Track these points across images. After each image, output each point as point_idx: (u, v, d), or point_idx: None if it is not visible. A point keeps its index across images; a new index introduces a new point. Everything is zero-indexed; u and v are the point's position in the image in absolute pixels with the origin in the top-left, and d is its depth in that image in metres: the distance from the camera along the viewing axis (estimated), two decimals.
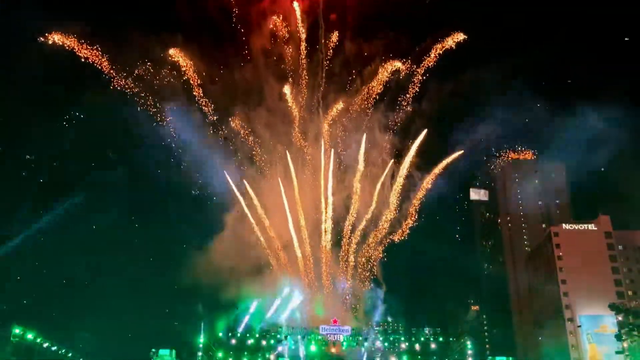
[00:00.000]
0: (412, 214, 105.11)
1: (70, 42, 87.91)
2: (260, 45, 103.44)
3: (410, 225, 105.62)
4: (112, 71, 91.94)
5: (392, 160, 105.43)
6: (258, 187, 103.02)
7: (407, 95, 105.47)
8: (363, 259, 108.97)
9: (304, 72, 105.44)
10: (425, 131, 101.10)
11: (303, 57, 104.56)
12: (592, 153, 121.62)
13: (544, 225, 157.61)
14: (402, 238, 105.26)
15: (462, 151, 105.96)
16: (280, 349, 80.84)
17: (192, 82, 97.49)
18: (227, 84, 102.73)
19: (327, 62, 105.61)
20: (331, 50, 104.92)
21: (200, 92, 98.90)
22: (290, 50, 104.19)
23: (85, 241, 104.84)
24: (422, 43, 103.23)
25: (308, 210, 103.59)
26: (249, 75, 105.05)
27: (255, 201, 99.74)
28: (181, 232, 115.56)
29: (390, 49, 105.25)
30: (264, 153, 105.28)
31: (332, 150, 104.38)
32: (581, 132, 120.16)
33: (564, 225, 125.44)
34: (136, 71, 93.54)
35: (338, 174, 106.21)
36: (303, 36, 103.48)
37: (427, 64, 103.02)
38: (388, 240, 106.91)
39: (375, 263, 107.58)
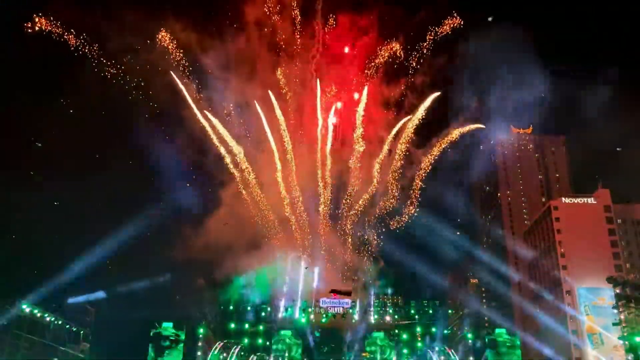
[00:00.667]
0: (416, 191, 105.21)
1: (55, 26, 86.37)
2: (254, 17, 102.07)
3: (411, 200, 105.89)
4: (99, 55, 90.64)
5: (394, 132, 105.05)
6: (254, 161, 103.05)
7: (408, 67, 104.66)
8: (361, 232, 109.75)
9: (299, 43, 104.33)
10: (435, 94, 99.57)
11: (298, 28, 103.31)
12: (592, 126, 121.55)
13: (543, 199, 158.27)
14: (403, 216, 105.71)
15: (483, 126, 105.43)
16: (280, 316, 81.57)
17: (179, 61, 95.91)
18: (220, 57, 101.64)
19: (323, 33, 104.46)
20: (328, 24, 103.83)
21: (188, 67, 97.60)
22: (284, 22, 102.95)
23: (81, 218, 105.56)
24: (417, 15, 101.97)
25: (305, 183, 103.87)
26: (243, 47, 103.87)
27: (252, 176, 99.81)
28: (175, 208, 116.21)
29: (386, 21, 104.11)
30: (258, 127, 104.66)
31: (329, 121, 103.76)
32: (582, 106, 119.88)
33: (563, 199, 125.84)
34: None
35: (335, 146, 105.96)
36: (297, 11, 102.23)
37: (426, 38, 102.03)
38: (386, 212, 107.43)
39: (374, 236, 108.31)
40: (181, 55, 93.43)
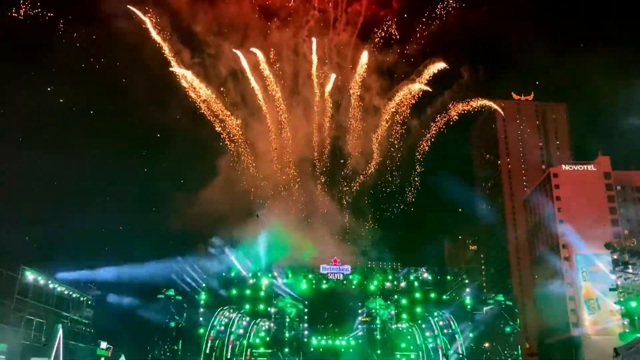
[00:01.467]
0: (419, 155, 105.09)
1: None
2: None
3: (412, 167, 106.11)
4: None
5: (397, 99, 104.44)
6: (250, 129, 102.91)
7: (406, 33, 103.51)
8: (360, 198, 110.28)
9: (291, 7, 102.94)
10: (439, 64, 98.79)
11: None
12: (593, 93, 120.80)
13: (543, 167, 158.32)
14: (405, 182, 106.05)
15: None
16: (280, 282, 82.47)
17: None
18: (212, 22, 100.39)
19: None
20: None
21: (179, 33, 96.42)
22: None
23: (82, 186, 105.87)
24: None
25: (302, 149, 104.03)
26: (234, 11, 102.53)
27: (243, 147, 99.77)
28: (171, 177, 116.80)
29: None
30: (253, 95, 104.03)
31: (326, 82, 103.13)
32: (583, 73, 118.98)
33: (563, 166, 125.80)
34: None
35: (331, 110, 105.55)
36: None
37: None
38: (385, 178, 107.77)
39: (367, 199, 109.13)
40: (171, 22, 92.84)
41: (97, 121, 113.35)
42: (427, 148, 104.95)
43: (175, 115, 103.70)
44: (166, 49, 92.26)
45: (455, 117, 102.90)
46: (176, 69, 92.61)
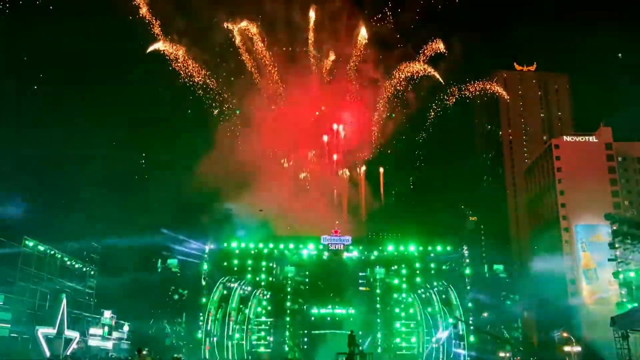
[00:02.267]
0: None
1: None
2: None
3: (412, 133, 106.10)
4: None
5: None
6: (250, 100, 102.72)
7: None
8: (359, 168, 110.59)
9: None
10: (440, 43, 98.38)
11: None
12: (596, 64, 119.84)
13: (544, 137, 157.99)
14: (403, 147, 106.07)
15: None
16: (281, 251, 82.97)
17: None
18: None
19: None
20: None
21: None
22: None
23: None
24: None
25: (299, 119, 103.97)
26: None
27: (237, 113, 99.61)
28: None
29: None
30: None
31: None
32: (585, 43, 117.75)
33: (564, 137, 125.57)
34: None
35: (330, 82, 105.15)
36: None
37: None
38: (386, 149, 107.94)
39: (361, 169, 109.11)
40: None
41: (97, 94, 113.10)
42: (428, 121, 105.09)
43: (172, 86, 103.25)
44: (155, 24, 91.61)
45: (457, 96, 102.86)
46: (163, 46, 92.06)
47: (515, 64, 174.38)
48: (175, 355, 63.63)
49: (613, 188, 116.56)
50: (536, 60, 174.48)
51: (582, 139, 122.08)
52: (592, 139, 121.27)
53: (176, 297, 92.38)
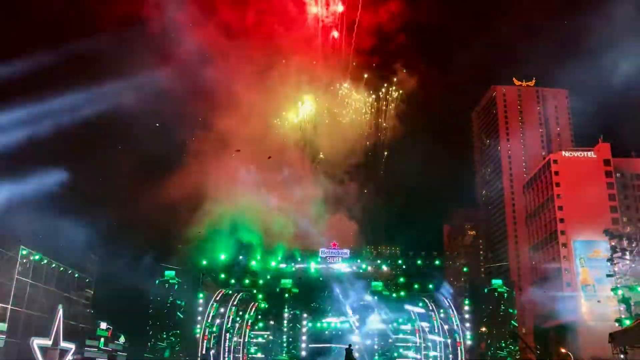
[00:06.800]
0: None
1: None
2: None
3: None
4: None
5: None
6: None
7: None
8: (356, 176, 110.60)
9: None
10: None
11: None
12: (595, 79, 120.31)
13: (543, 153, 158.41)
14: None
15: None
16: (278, 264, 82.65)
17: None
18: None
19: None
20: None
21: None
22: None
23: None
24: None
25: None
26: None
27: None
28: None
29: None
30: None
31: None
32: (585, 58, 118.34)
33: (563, 152, 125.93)
34: None
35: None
36: None
37: None
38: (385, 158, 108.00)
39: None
40: None
41: None
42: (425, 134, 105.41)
43: None
44: None
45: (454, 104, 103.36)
46: None
47: (514, 79, 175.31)
48: None
49: (612, 204, 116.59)
50: (535, 76, 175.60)
51: (581, 154, 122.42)
52: (591, 154, 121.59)
53: (176, 312, 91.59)
